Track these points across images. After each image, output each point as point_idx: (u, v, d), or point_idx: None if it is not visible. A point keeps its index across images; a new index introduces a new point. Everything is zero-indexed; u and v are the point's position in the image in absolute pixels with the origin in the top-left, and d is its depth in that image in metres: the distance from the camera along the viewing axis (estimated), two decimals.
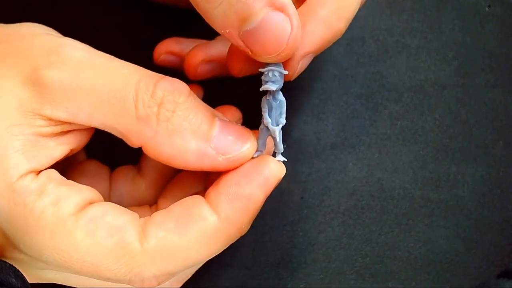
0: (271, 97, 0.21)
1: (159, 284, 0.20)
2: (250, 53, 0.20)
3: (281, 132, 0.22)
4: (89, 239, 0.19)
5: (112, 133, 0.20)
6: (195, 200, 0.20)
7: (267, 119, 0.21)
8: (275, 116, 0.22)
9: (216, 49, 0.27)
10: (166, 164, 0.20)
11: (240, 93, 0.28)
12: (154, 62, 0.28)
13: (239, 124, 0.22)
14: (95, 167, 0.25)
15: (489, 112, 0.30)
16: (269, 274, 0.28)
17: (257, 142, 0.22)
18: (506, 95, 0.30)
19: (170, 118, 0.19)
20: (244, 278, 0.28)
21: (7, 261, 0.20)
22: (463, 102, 0.30)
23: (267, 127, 0.22)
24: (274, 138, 0.22)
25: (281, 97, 0.22)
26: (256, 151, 0.22)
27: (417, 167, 0.29)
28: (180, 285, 0.24)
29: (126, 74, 0.19)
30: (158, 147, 0.20)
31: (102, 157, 0.26)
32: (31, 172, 0.19)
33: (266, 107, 0.21)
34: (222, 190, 0.20)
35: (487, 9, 0.31)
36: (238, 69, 0.23)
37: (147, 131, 0.19)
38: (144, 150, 0.20)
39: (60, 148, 0.20)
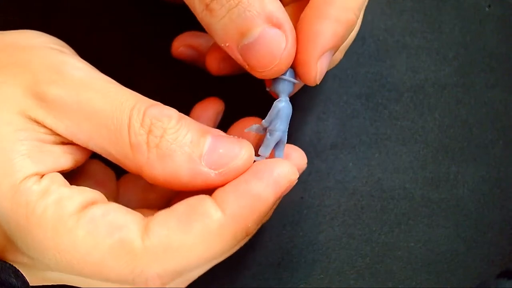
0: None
1: (163, 285, 0.19)
2: (247, 67, 0.20)
3: (269, 138, 0.22)
4: (90, 238, 0.18)
5: (109, 158, 0.21)
6: (200, 198, 0.20)
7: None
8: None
9: None
10: (164, 187, 0.20)
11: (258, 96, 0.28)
12: (171, 54, 0.27)
13: (233, 136, 0.21)
14: (100, 169, 0.25)
15: (489, 112, 0.30)
16: (269, 274, 0.28)
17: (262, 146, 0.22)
18: (506, 95, 0.30)
19: (159, 144, 0.19)
20: (244, 278, 0.28)
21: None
22: (463, 102, 0.30)
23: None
24: None
25: (277, 101, 0.22)
26: (258, 156, 0.22)
27: (417, 167, 0.29)
28: (185, 286, 0.23)
29: (123, 100, 0.20)
30: (152, 172, 0.20)
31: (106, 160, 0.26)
32: (36, 175, 0.19)
33: None
34: (229, 187, 0.20)
35: (487, 9, 0.31)
36: (216, 68, 0.24)
37: (140, 157, 0.20)
38: (142, 175, 0.20)
39: (65, 157, 0.20)
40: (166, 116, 0.20)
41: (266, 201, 0.20)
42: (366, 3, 0.22)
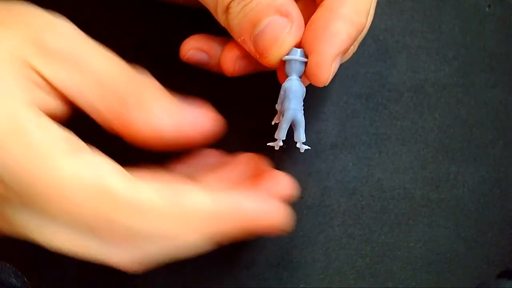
0: None
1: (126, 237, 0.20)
2: (258, 56, 0.22)
3: (281, 119, 0.22)
4: (73, 167, 0.19)
5: (95, 118, 0.21)
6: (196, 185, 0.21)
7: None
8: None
9: None
10: (148, 145, 0.21)
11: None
12: (180, 58, 0.27)
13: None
14: None
15: (489, 112, 0.30)
16: (269, 274, 0.28)
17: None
18: (506, 95, 0.30)
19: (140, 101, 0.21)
20: (244, 278, 0.28)
21: None
22: (463, 102, 0.30)
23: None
24: None
25: (284, 82, 0.22)
26: (275, 140, 0.22)
27: (417, 167, 0.29)
28: (138, 265, 0.22)
29: (114, 58, 0.22)
30: (137, 123, 0.21)
31: None
32: (32, 104, 0.19)
33: None
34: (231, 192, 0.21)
35: (487, 9, 0.31)
36: (232, 67, 0.25)
37: (131, 112, 0.21)
38: (125, 133, 0.21)
39: (53, 103, 0.21)
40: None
41: (252, 220, 0.21)
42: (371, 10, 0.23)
